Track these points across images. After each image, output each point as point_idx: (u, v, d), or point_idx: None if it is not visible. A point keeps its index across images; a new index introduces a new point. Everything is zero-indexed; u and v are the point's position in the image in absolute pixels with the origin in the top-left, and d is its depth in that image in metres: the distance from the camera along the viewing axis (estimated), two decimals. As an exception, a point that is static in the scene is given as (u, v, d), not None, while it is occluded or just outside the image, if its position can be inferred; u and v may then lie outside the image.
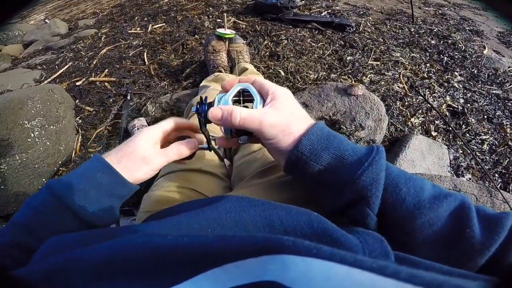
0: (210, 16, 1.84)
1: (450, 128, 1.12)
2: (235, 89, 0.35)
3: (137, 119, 1.16)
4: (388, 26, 1.67)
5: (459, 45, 1.52)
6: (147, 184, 0.69)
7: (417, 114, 1.16)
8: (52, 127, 1.11)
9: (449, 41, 1.56)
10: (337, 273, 0.17)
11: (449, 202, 0.28)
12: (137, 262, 0.21)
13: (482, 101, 1.24)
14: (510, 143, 1.09)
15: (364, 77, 1.28)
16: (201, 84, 1.07)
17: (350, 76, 1.30)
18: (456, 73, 1.36)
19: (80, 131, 1.24)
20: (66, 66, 1.61)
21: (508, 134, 1.12)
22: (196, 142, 0.40)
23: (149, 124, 1.15)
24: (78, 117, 1.29)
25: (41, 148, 1.05)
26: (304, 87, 1.23)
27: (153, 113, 1.20)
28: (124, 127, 1.17)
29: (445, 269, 0.22)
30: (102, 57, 1.61)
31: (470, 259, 0.26)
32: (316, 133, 0.30)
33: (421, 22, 1.75)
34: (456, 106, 1.20)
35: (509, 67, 1.43)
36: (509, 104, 1.24)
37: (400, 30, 1.64)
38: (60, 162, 1.12)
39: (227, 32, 1.20)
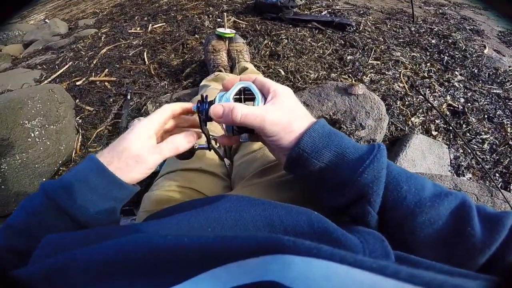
0: (210, 16, 1.83)
1: (451, 128, 1.12)
2: (237, 87, 0.35)
3: (137, 119, 1.16)
4: (388, 26, 1.67)
5: (460, 45, 1.52)
6: (147, 184, 0.69)
7: (417, 114, 1.16)
8: (52, 126, 1.12)
9: (450, 41, 1.56)
10: (337, 273, 0.17)
11: (450, 200, 0.28)
12: (137, 262, 0.21)
13: (483, 100, 1.24)
14: (510, 142, 1.09)
15: (364, 77, 1.28)
16: (201, 84, 1.07)
17: (350, 75, 1.30)
18: (456, 72, 1.36)
19: (80, 130, 1.24)
20: (66, 66, 1.61)
21: (508, 134, 1.12)
22: (195, 134, 0.38)
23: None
24: (78, 117, 1.29)
25: (41, 148, 1.05)
26: (305, 86, 1.23)
27: (153, 112, 1.20)
28: (124, 127, 1.17)
29: (445, 269, 0.22)
30: (102, 57, 1.61)
31: (471, 258, 0.26)
32: (317, 130, 0.30)
33: (421, 22, 1.75)
34: (457, 106, 1.20)
35: (509, 67, 1.42)
36: (509, 103, 1.23)
37: (400, 30, 1.64)
38: (60, 162, 1.12)
39: (227, 31, 1.19)
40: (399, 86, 1.26)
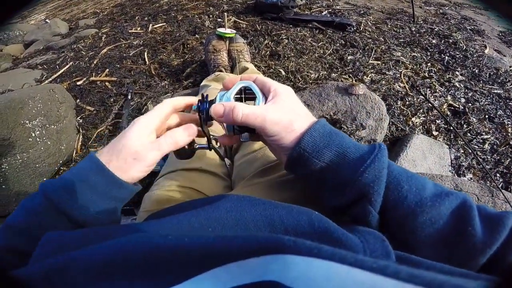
0: (211, 16, 1.84)
1: (451, 128, 1.12)
2: (237, 87, 0.35)
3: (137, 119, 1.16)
4: (389, 26, 1.67)
5: (460, 45, 1.52)
6: (147, 184, 0.69)
7: (418, 114, 1.16)
8: (53, 126, 1.12)
9: (450, 41, 1.56)
10: (337, 273, 0.17)
11: (450, 200, 0.28)
12: (137, 262, 0.21)
13: (484, 100, 1.23)
14: (511, 142, 1.09)
15: (365, 77, 1.28)
16: (201, 84, 1.07)
17: (351, 75, 1.30)
18: (457, 72, 1.35)
19: (81, 130, 1.24)
20: (67, 66, 1.61)
21: (509, 134, 1.12)
22: (195, 128, 0.36)
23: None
24: (79, 117, 1.29)
25: (42, 148, 1.05)
26: (305, 86, 1.23)
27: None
28: (125, 127, 1.17)
29: (446, 269, 0.22)
30: (103, 57, 1.61)
31: (472, 258, 0.26)
32: (318, 130, 0.30)
33: (422, 22, 1.75)
34: (457, 106, 1.20)
35: (510, 67, 1.42)
36: (510, 103, 1.23)
37: (401, 30, 1.64)
38: (61, 161, 1.12)
39: (228, 31, 1.19)
40: (399, 86, 1.26)
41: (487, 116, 1.18)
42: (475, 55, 1.46)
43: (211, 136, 0.40)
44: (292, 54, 1.41)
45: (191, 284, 0.20)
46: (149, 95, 1.30)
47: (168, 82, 1.38)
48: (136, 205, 0.92)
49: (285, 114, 0.31)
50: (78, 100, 1.35)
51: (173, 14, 1.93)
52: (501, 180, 1.01)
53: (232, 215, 0.28)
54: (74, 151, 1.19)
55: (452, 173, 1.03)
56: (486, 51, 1.51)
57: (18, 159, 0.98)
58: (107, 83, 1.43)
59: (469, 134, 1.12)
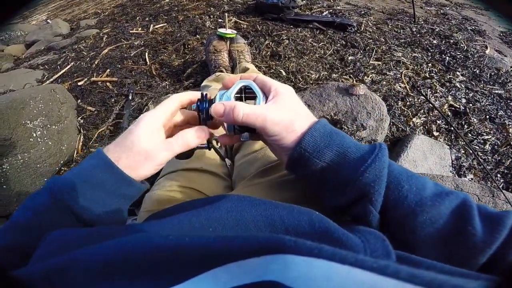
0: (211, 16, 1.84)
1: (452, 128, 1.12)
2: (237, 86, 0.34)
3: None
4: (389, 26, 1.67)
5: (461, 45, 1.52)
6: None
7: (419, 114, 1.16)
8: (54, 127, 1.12)
9: (451, 41, 1.56)
10: (338, 273, 0.17)
11: (450, 200, 0.28)
12: (138, 262, 0.21)
13: (484, 101, 1.23)
14: (512, 143, 1.09)
15: (365, 77, 1.28)
16: (202, 84, 1.07)
17: (351, 76, 1.30)
18: (458, 73, 1.35)
19: (82, 131, 1.24)
20: (68, 66, 1.61)
21: (510, 134, 1.12)
22: (207, 131, 0.35)
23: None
24: (80, 117, 1.29)
25: (43, 148, 1.05)
26: (306, 87, 1.23)
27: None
28: (126, 127, 1.18)
29: (446, 269, 0.22)
30: (104, 57, 1.62)
31: (472, 257, 0.26)
32: (319, 130, 0.30)
33: (422, 22, 1.75)
34: (458, 106, 1.19)
35: (511, 67, 1.42)
36: (511, 104, 1.23)
37: (401, 30, 1.64)
38: (62, 162, 1.12)
39: (228, 32, 1.20)
40: (400, 86, 1.26)
41: (488, 117, 1.18)
42: (476, 56, 1.45)
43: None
44: (293, 55, 1.41)
45: (192, 284, 0.20)
46: (150, 96, 1.31)
47: (169, 82, 1.38)
48: (136, 205, 0.93)
49: (286, 114, 0.31)
50: (79, 101, 1.35)
51: (174, 15, 1.94)
52: (502, 180, 1.01)
53: (233, 215, 0.28)
54: (75, 152, 1.19)
55: (452, 173, 1.03)
56: (487, 52, 1.51)
57: (19, 159, 0.98)
58: (108, 84, 1.43)
59: (470, 135, 1.12)
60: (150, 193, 0.54)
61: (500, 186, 0.98)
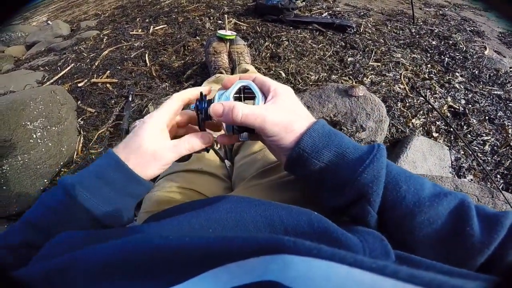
0: (211, 18, 1.84)
1: (452, 129, 1.12)
2: (236, 86, 0.34)
3: (138, 121, 1.16)
4: (388, 27, 1.67)
5: (460, 46, 1.52)
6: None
7: (418, 115, 1.16)
8: (54, 128, 1.12)
9: (450, 42, 1.56)
10: (337, 273, 0.17)
11: (449, 200, 0.28)
12: (138, 262, 0.21)
13: (484, 102, 1.24)
14: None
15: (365, 78, 1.29)
16: (202, 86, 1.08)
17: (351, 77, 1.30)
18: (457, 74, 1.36)
19: (82, 132, 1.24)
20: (68, 68, 1.62)
21: (509, 135, 1.12)
22: (211, 136, 0.37)
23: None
24: (80, 118, 1.29)
25: (43, 149, 1.05)
26: (305, 88, 1.23)
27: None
28: (126, 129, 1.18)
29: (445, 269, 0.22)
30: (104, 59, 1.62)
31: (470, 258, 0.26)
32: (317, 130, 0.30)
33: (421, 23, 1.75)
34: (457, 107, 1.20)
35: (510, 68, 1.42)
36: (510, 104, 1.23)
37: (401, 31, 1.64)
38: (61, 163, 1.12)
39: (228, 33, 1.20)
40: (399, 87, 1.26)
41: (487, 118, 1.18)
42: (475, 56, 1.46)
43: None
44: (292, 56, 1.42)
45: (192, 284, 0.20)
46: (150, 97, 1.31)
47: (169, 84, 1.38)
48: (136, 206, 0.92)
49: (285, 115, 0.31)
50: (79, 102, 1.36)
51: (174, 16, 1.94)
52: (501, 181, 1.01)
53: (232, 216, 0.28)
54: (75, 153, 1.19)
55: (452, 174, 1.03)
56: (486, 52, 1.51)
57: (19, 160, 0.98)
58: (108, 85, 1.43)
59: (469, 136, 1.12)
60: (149, 194, 0.54)
61: (500, 187, 0.98)
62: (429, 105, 1.18)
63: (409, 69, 1.36)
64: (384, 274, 0.17)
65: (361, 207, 0.29)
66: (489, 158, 1.06)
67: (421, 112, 1.17)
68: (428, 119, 1.16)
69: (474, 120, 1.16)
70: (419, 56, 1.44)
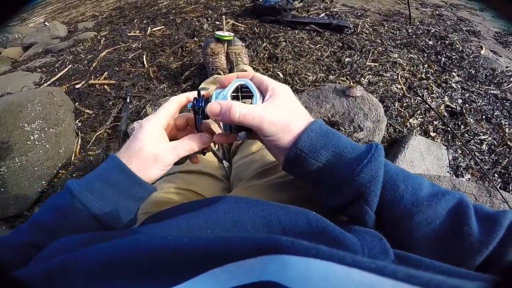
0: (209, 19, 1.84)
1: (449, 129, 1.13)
2: (234, 85, 0.34)
3: (136, 122, 1.16)
4: (385, 27, 1.68)
5: (457, 46, 1.53)
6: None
7: (415, 115, 1.16)
8: (51, 130, 1.12)
9: (447, 42, 1.57)
10: (336, 273, 0.17)
11: (447, 200, 0.28)
12: (137, 263, 0.21)
13: (480, 101, 1.24)
14: (509, 142, 1.10)
15: (362, 78, 1.29)
16: (200, 87, 1.08)
17: (348, 77, 1.30)
18: (454, 73, 1.36)
19: (79, 134, 1.24)
20: (66, 69, 1.61)
21: (506, 134, 1.13)
22: (210, 137, 0.37)
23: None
24: (78, 120, 1.29)
25: (40, 151, 1.05)
26: (303, 88, 1.23)
27: (153, 115, 1.20)
28: (124, 130, 1.18)
29: (445, 268, 0.22)
30: (102, 60, 1.62)
31: (468, 257, 0.26)
32: (315, 130, 0.30)
33: (418, 23, 1.76)
34: (455, 107, 1.20)
35: (506, 67, 1.43)
36: (507, 104, 1.24)
37: (397, 31, 1.65)
38: (59, 165, 1.12)
39: (226, 34, 1.20)
40: (397, 87, 1.26)
41: (484, 117, 1.18)
42: (471, 56, 1.47)
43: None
44: (290, 57, 1.42)
45: (191, 285, 0.20)
46: (148, 98, 1.30)
47: (167, 85, 1.38)
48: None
49: (283, 114, 0.31)
50: (77, 103, 1.35)
51: (172, 17, 1.94)
52: (499, 180, 1.02)
53: (230, 216, 0.28)
54: (73, 155, 1.18)
55: (450, 174, 1.03)
56: (482, 52, 1.52)
57: (16, 162, 0.98)
58: (105, 86, 1.43)
59: (466, 135, 1.13)
60: (148, 195, 0.54)
61: (497, 186, 0.99)
62: (426, 105, 1.19)
63: (406, 69, 1.36)
64: (383, 274, 0.17)
65: (359, 207, 0.29)
66: (487, 157, 1.07)
67: (419, 111, 1.17)
68: (426, 119, 1.16)
69: (471, 120, 1.16)
70: (416, 56, 1.45)
